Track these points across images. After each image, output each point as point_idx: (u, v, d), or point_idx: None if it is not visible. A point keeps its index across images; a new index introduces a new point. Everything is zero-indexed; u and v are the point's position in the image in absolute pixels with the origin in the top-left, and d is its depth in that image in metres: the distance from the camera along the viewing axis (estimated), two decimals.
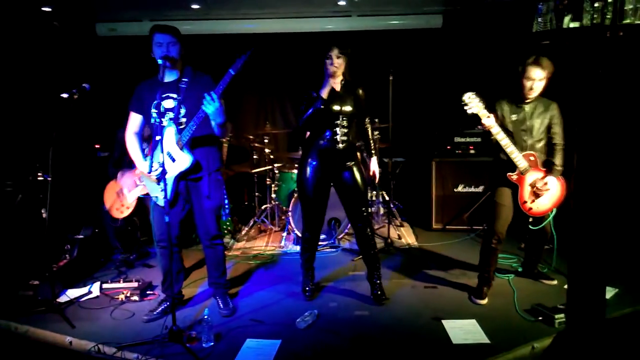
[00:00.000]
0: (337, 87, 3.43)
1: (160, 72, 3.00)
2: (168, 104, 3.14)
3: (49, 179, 3.43)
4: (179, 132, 3.09)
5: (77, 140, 5.15)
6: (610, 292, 3.44)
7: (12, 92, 4.85)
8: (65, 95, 3.31)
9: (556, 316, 3.05)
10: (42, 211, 3.54)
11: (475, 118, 3.31)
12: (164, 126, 3.11)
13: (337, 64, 3.33)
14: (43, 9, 5.06)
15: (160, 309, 3.40)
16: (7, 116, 4.79)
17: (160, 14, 5.69)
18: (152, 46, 3.08)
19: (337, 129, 3.40)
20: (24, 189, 4.31)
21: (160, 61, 2.98)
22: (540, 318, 3.14)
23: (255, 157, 5.72)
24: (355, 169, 3.50)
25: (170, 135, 3.10)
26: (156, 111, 3.06)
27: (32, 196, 4.23)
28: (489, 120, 3.26)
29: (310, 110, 3.33)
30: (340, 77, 3.44)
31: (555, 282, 3.77)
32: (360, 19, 5.97)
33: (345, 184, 3.50)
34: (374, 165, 3.75)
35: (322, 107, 3.33)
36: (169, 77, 3.16)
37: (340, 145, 3.42)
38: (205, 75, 3.21)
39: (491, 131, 3.28)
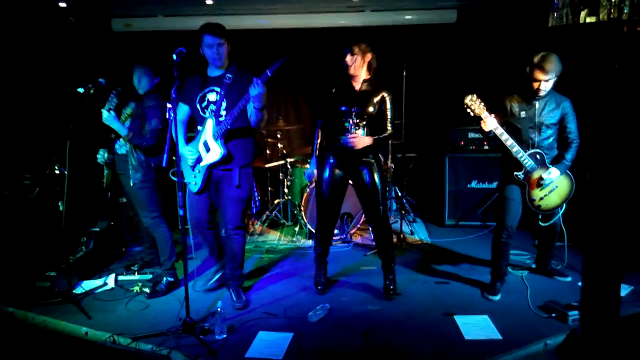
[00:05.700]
0: (357, 87, 3.42)
1: (209, 67, 3.28)
2: (212, 97, 3.29)
3: (66, 172, 3.49)
4: (217, 124, 3.21)
5: (93, 134, 5.21)
6: (625, 290, 3.40)
7: (30, 87, 4.93)
8: (81, 90, 3.36)
9: (570, 313, 3.04)
10: (59, 204, 3.60)
11: (479, 120, 3.28)
12: (205, 117, 3.28)
13: (350, 61, 3.34)
14: (59, 4, 5.11)
15: (215, 278, 3.66)
16: (25, 110, 4.86)
17: (175, 9, 5.72)
18: (201, 45, 3.23)
19: (352, 129, 3.37)
20: (41, 182, 4.39)
21: (210, 60, 3.23)
22: (553, 315, 3.13)
23: (268, 152, 5.74)
24: (373, 168, 3.46)
25: (209, 126, 3.25)
26: (199, 102, 3.28)
27: (49, 189, 4.31)
28: (492, 122, 3.22)
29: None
30: (363, 77, 3.42)
31: (569, 278, 3.74)
32: (373, 14, 5.93)
33: (363, 182, 3.48)
34: None
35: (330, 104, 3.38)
36: (216, 72, 3.31)
37: (355, 148, 3.33)
38: (249, 73, 3.24)
39: (496, 133, 3.25)
